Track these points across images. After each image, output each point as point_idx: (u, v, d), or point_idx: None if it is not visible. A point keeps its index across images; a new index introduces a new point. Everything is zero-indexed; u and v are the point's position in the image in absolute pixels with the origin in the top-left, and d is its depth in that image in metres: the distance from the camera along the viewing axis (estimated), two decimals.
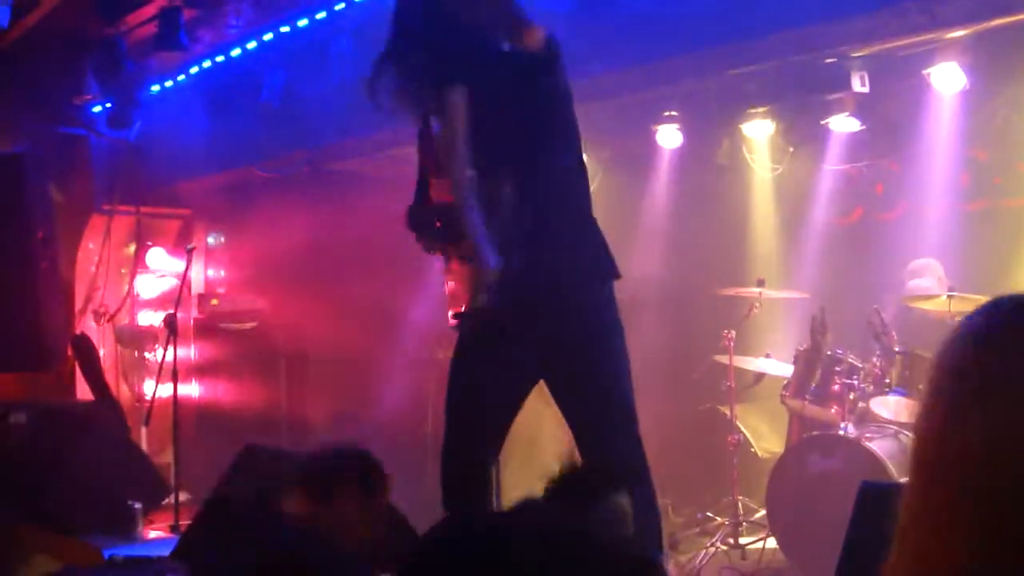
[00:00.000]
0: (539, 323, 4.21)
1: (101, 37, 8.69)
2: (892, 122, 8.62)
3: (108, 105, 9.94)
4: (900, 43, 7.20)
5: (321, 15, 8.56)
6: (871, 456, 6.82)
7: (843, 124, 8.56)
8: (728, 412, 8.12)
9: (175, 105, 10.33)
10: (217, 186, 11.05)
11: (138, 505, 7.96)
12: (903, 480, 6.73)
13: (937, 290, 7.62)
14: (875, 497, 3.70)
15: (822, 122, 8.62)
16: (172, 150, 10.44)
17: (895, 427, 7.23)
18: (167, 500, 8.40)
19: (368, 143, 9.35)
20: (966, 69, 7.53)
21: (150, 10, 8.50)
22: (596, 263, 4.34)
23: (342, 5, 8.37)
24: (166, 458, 9.25)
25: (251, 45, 9.29)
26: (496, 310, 4.08)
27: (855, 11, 6.57)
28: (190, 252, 8.75)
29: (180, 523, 7.98)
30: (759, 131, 9.01)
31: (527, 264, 4.11)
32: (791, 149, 9.25)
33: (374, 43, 8.14)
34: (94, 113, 10.41)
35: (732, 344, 7.99)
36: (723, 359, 8.08)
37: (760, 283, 8.05)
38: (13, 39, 7.51)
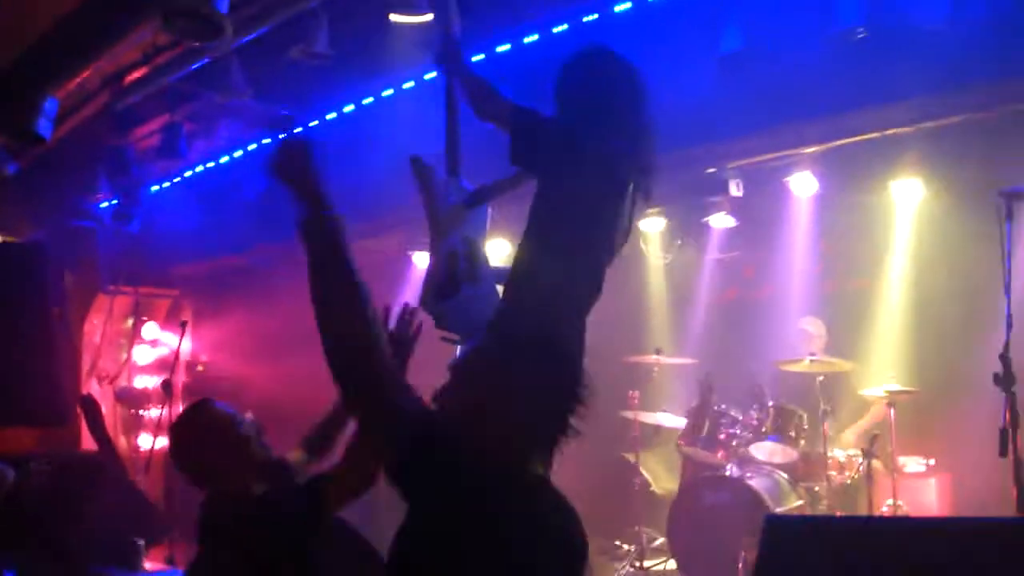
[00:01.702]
0: None
1: (112, 146, 8.69)
2: (760, 219, 8.82)
3: (114, 202, 9.91)
4: (769, 157, 7.46)
5: (298, 131, 8.65)
6: (752, 492, 6.98)
7: (721, 221, 8.78)
8: (633, 458, 8.23)
9: (171, 202, 10.36)
10: (204, 271, 11.02)
11: (141, 542, 7.85)
12: (787, 511, 6.94)
13: (816, 342, 7.85)
14: (778, 527, 3.80)
15: (704, 220, 8.85)
16: (167, 240, 10.43)
17: (769, 467, 7.40)
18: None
19: None
20: (818, 177, 7.80)
21: (155, 124, 8.53)
22: None
23: (315, 122, 8.48)
24: (159, 500, 9.14)
25: (237, 154, 9.37)
26: None
27: (734, 133, 6.80)
28: (183, 326, 8.72)
29: (174, 556, 7.92)
30: (653, 226, 9.21)
31: None
32: (679, 241, 9.45)
33: (340, 155, 8.35)
34: (102, 208, 10.38)
35: (636, 402, 8.12)
36: (629, 414, 8.19)
37: (658, 351, 8.20)
38: (42, 149, 7.50)
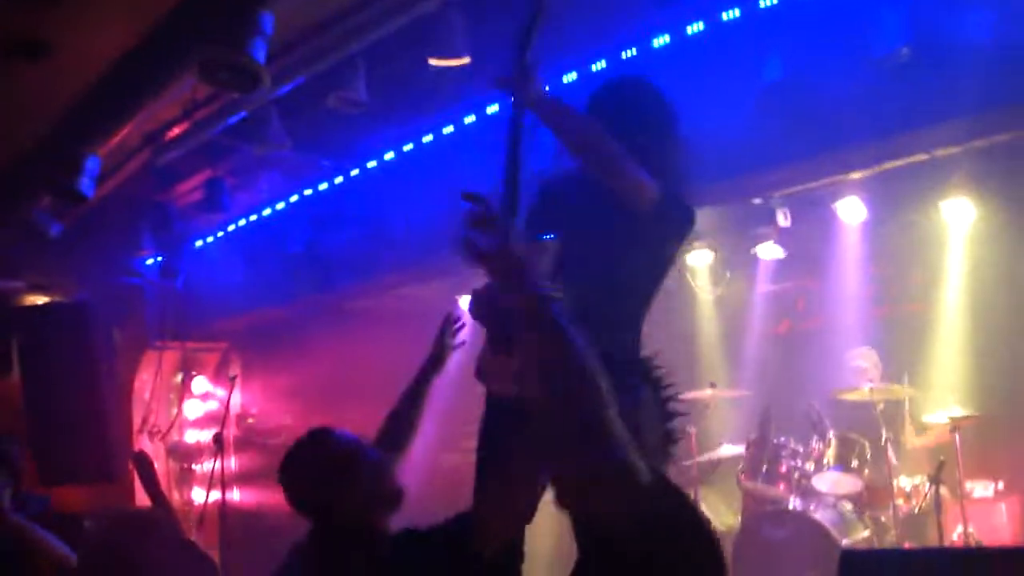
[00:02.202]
0: None
1: (155, 202, 8.74)
2: (809, 248, 8.75)
3: (159, 258, 9.97)
4: (816, 185, 7.38)
5: (339, 180, 8.68)
6: (816, 524, 6.84)
7: (769, 251, 8.69)
8: (692, 495, 8.09)
9: (215, 256, 10.42)
10: (250, 323, 11.04)
11: None
12: (854, 543, 6.79)
13: (871, 373, 7.70)
14: (854, 561, 3.70)
15: (752, 251, 8.77)
16: (212, 294, 10.46)
17: (833, 498, 7.25)
18: None
19: (377, 284, 9.41)
20: (866, 202, 7.72)
21: (197, 180, 8.57)
22: None
23: (356, 171, 8.49)
24: (215, 554, 9.09)
25: (280, 206, 9.40)
26: None
27: (780, 162, 6.72)
28: (233, 380, 8.67)
29: None
30: (700, 260, 9.13)
31: None
32: (728, 274, 9.37)
33: (385, 202, 8.37)
34: (147, 265, 10.45)
35: (694, 439, 7.99)
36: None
37: (712, 386, 8.09)
38: (86, 208, 7.55)
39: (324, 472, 3.28)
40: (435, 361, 3.92)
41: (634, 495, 2.36)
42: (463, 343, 3.78)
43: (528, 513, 3.14)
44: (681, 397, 2.93)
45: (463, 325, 3.62)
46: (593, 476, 2.38)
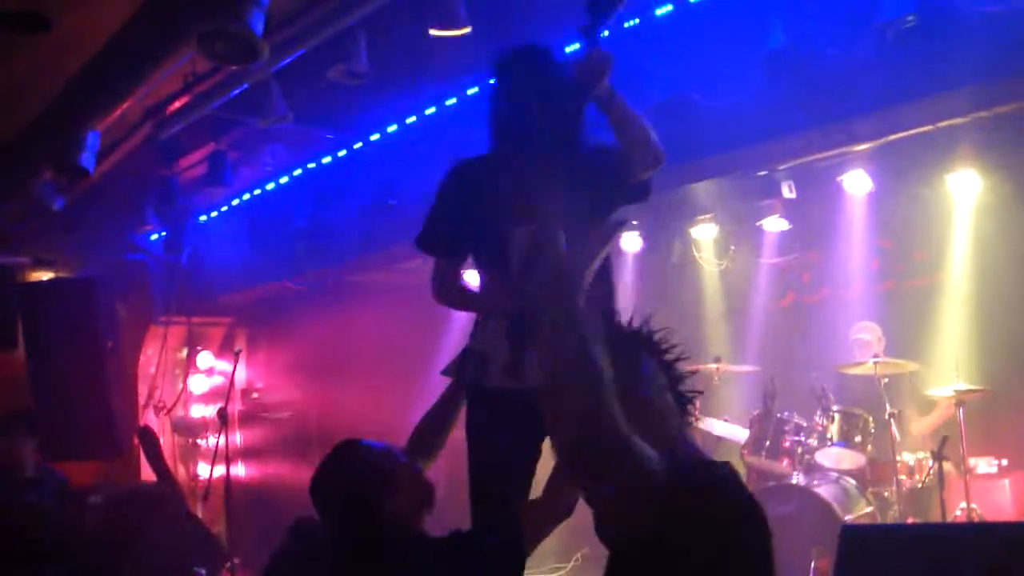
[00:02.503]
0: None
1: (159, 177, 8.72)
2: (814, 221, 8.70)
3: (163, 233, 9.96)
4: (820, 156, 7.31)
5: (342, 153, 8.63)
6: (820, 500, 6.80)
7: (774, 224, 8.65)
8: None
9: (219, 231, 10.40)
10: (255, 298, 11.03)
11: (203, 571, 7.81)
12: (856, 519, 6.76)
13: (875, 347, 7.67)
14: (854, 537, 3.68)
15: (757, 223, 8.72)
16: (217, 269, 10.46)
17: (837, 473, 7.22)
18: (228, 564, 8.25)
19: (382, 257, 9.37)
20: (872, 175, 7.66)
21: (200, 154, 8.54)
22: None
23: (359, 144, 8.44)
24: (220, 529, 9.11)
25: (283, 180, 9.36)
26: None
27: (783, 134, 6.66)
28: (237, 355, 8.67)
29: None
30: (705, 234, 9.10)
31: None
32: (732, 247, 9.33)
33: (389, 175, 8.31)
34: (151, 240, 10.43)
35: (697, 411, 7.95)
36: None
37: (717, 360, 8.06)
38: (89, 182, 7.53)
39: (363, 485, 3.21)
40: None
41: (647, 487, 2.33)
42: None
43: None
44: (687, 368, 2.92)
45: None
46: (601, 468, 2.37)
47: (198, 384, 11.45)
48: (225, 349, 11.44)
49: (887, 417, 7.14)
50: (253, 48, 4.92)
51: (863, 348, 7.72)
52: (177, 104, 7.40)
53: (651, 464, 2.35)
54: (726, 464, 2.64)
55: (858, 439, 7.28)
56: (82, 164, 6.43)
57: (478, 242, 3.66)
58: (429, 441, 3.69)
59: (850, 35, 5.92)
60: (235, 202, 10.05)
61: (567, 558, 8.72)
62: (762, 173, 7.74)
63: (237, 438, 11.13)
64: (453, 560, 3.11)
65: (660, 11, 6.24)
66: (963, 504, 6.79)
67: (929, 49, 5.65)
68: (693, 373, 2.92)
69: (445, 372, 3.73)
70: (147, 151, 8.24)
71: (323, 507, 3.29)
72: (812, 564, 6.44)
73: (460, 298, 3.82)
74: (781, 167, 7.61)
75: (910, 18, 5.47)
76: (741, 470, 7.95)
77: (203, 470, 10.54)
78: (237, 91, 7.05)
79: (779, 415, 7.49)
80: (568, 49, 6.65)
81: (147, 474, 9.74)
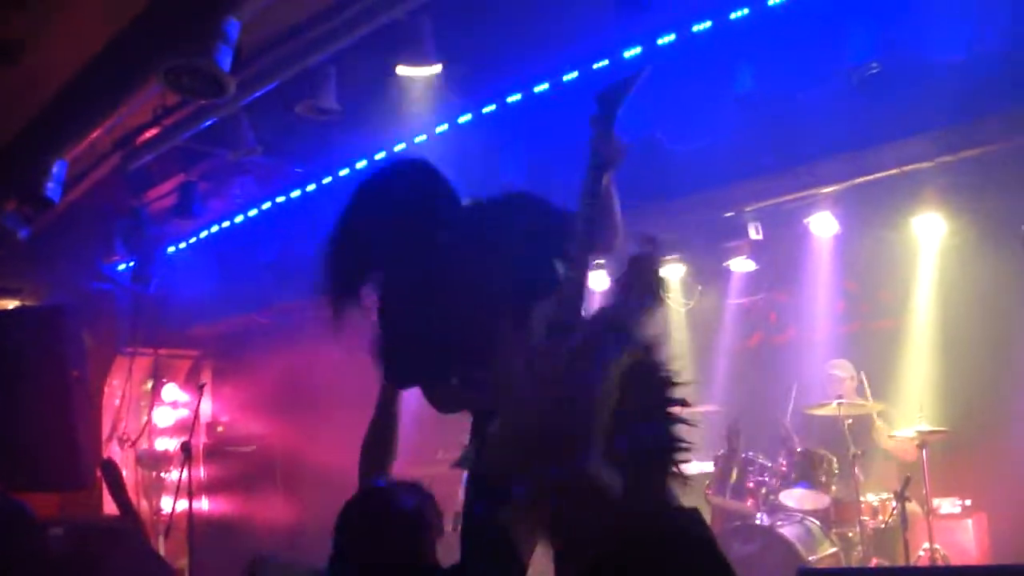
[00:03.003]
0: None
1: (127, 207, 8.67)
2: (780, 262, 8.72)
3: (131, 264, 9.87)
4: (787, 198, 7.35)
5: (311, 187, 8.60)
6: (783, 540, 6.77)
7: (741, 265, 8.68)
8: None
9: (187, 263, 10.32)
10: (222, 331, 10.95)
11: None
12: (820, 559, 6.74)
13: (847, 385, 7.71)
14: None
15: (724, 264, 8.74)
16: (184, 301, 10.37)
17: (801, 514, 7.19)
18: None
19: None
20: (838, 217, 7.70)
21: (169, 185, 8.50)
22: None
23: (328, 179, 8.42)
24: (182, 564, 8.99)
25: (252, 213, 9.32)
26: None
27: (750, 175, 6.69)
28: (201, 388, 8.59)
29: None
30: (673, 273, 9.09)
31: None
32: (700, 288, 9.34)
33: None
34: (119, 271, 10.34)
35: None
36: None
37: (684, 404, 8.02)
38: (57, 211, 7.47)
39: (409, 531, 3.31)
40: None
41: (608, 512, 2.32)
42: None
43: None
44: None
45: None
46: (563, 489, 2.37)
47: (163, 417, 11.31)
48: (191, 381, 11.34)
49: (851, 458, 7.15)
50: (220, 83, 4.90)
51: (835, 384, 7.74)
52: (147, 135, 7.37)
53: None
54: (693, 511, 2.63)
55: (822, 479, 7.26)
56: (47, 195, 6.37)
57: None
58: (378, 457, 3.66)
59: (817, 80, 5.98)
60: (204, 234, 9.99)
61: None
62: (729, 214, 7.77)
63: (201, 472, 11.01)
64: None
65: (628, 53, 6.27)
66: (927, 544, 6.78)
67: (894, 94, 5.71)
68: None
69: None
70: (116, 181, 8.19)
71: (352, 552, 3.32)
72: None
73: None
74: (748, 208, 7.65)
75: (874, 65, 5.53)
76: (705, 510, 7.97)
77: (166, 504, 10.41)
78: (207, 123, 7.03)
79: (744, 455, 7.48)
80: (536, 89, 6.70)
81: (109, 507, 9.63)
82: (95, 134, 6.46)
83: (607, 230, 3.33)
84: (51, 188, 6.36)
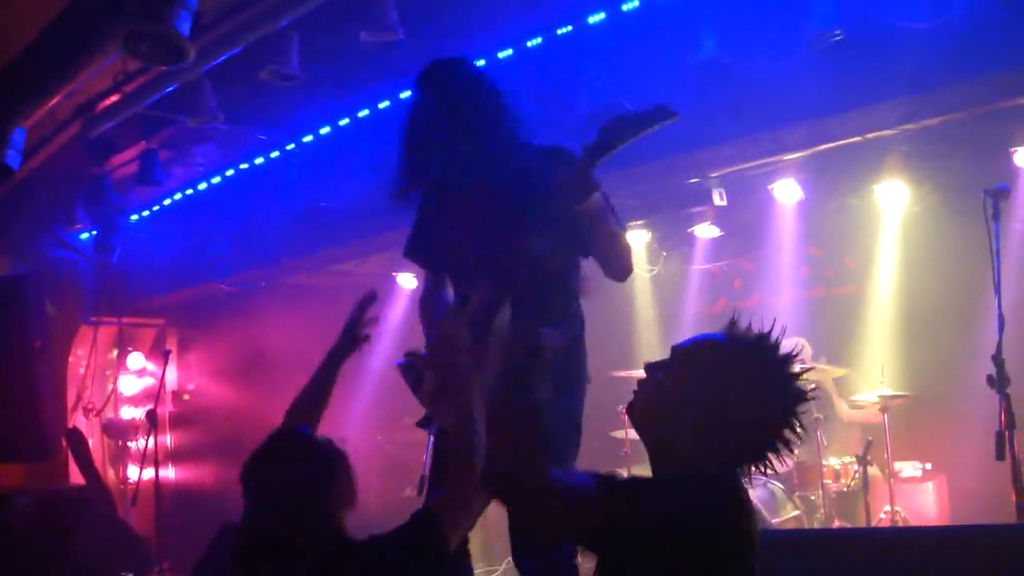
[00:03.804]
0: None
1: (89, 175, 8.56)
2: (745, 228, 8.75)
3: (94, 232, 9.76)
4: (751, 165, 7.35)
5: (275, 154, 8.52)
6: None
7: (706, 231, 8.69)
8: (625, 475, 8.03)
9: (151, 231, 10.23)
10: (187, 299, 10.88)
11: (130, 575, 7.66)
12: (783, 522, 6.80)
13: (807, 351, 7.71)
14: (773, 543, 3.67)
15: (688, 230, 8.75)
16: (148, 269, 10.29)
17: (763, 477, 7.23)
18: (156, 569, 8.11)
19: (313, 259, 9.31)
20: (802, 184, 7.71)
21: (131, 152, 8.39)
22: None
23: (292, 146, 8.34)
24: (149, 532, 8.95)
25: (215, 180, 9.23)
26: None
27: (714, 142, 6.67)
28: (166, 356, 8.55)
29: None
30: (637, 240, 9.09)
31: None
32: (664, 254, 9.36)
33: (321, 177, 8.23)
34: (82, 239, 10.22)
35: (625, 418, 7.95)
36: (619, 433, 8.01)
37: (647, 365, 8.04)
38: (18, 179, 7.35)
39: (308, 473, 3.06)
40: (348, 341, 3.70)
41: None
42: (375, 319, 3.62)
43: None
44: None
45: (375, 299, 3.50)
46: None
47: (128, 385, 11.24)
48: (156, 350, 11.25)
49: (813, 422, 7.19)
50: (179, 49, 4.82)
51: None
52: (107, 102, 7.26)
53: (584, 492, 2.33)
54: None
55: None
56: (6, 162, 6.27)
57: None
58: (305, 414, 3.61)
59: (781, 46, 5.95)
60: (167, 202, 9.89)
61: (499, 560, 8.67)
62: (693, 180, 7.75)
63: (167, 440, 10.97)
64: (369, 563, 2.99)
65: (593, 19, 6.21)
66: (888, 507, 6.85)
67: (858, 62, 5.69)
68: None
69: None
70: (77, 148, 8.07)
71: (257, 492, 3.11)
72: None
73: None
74: (713, 175, 7.64)
75: (837, 32, 5.51)
76: None
77: (132, 473, 10.36)
78: (168, 89, 6.93)
79: None
80: (500, 54, 6.64)
81: (75, 476, 9.57)
82: (54, 100, 6.34)
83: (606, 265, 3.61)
84: (10, 156, 6.25)
